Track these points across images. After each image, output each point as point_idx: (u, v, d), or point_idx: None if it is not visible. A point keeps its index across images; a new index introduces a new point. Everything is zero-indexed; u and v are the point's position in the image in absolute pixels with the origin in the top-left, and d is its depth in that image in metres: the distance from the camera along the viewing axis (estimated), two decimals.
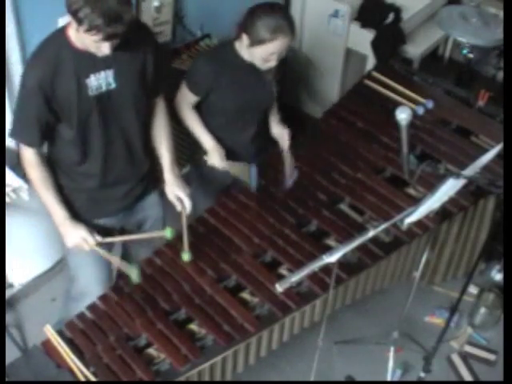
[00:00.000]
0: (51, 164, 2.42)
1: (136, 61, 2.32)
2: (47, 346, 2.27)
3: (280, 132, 2.87)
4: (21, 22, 2.77)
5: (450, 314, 2.62)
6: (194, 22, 3.64)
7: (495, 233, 2.82)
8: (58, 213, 2.38)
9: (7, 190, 2.71)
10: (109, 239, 2.46)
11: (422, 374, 2.80)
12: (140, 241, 2.58)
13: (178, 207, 2.52)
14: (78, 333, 2.32)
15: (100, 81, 2.26)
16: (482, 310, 3.31)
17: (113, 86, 2.29)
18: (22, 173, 2.54)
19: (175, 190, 2.52)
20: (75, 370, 2.19)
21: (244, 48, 2.60)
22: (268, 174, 2.87)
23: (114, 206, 2.56)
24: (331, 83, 4.30)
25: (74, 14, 2.04)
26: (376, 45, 3.97)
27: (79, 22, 2.04)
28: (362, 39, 4.01)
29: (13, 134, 2.34)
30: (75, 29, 2.10)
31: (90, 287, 2.59)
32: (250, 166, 2.78)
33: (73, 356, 2.21)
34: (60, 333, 2.30)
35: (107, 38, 2.08)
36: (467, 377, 3.15)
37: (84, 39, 2.12)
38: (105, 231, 2.50)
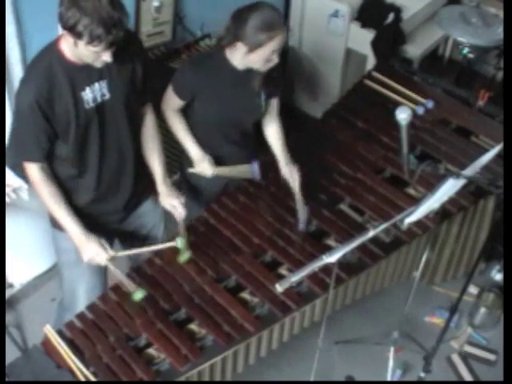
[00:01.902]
0: None
1: (126, 69, 2.31)
2: (47, 345, 2.27)
3: (289, 173, 2.72)
4: (21, 22, 2.77)
5: (450, 314, 2.62)
6: (194, 22, 3.64)
7: (495, 233, 2.81)
8: (72, 228, 2.35)
9: (7, 189, 2.72)
10: (121, 253, 2.46)
11: (422, 374, 2.80)
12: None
13: (175, 215, 2.55)
14: (78, 333, 2.32)
15: (95, 92, 2.25)
16: (482, 310, 3.31)
17: (107, 96, 2.28)
18: (21, 173, 2.53)
19: (169, 200, 2.55)
20: (75, 370, 2.19)
21: (239, 56, 2.51)
22: (267, 173, 2.87)
23: (106, 220, 2.55)
24: (331, 83, 4.30)
25: (72, 29, 2.02)
26: (376, 45, 3.97)
27: (78, 35, 2.02)
28: (362, 39, 4.01)
29: (15, 157, 2.31)
30: (72, 44, 2.08)
31: (86, 297, 2.57)
32: (250, 164, 2.72)
33: (73, 356, 2.21)
34: (60, 333, 2.30)
35: (110, 45, 2.07)
36: (467, 377, 3.15)
37: (82, 52, 2.10)
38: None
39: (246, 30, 2.40)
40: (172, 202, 2.55)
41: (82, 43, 2.05)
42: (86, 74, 2.21)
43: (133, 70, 2.33)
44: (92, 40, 2.03)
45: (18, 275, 3.31)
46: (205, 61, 2.65)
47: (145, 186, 2.63)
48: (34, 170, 2.29)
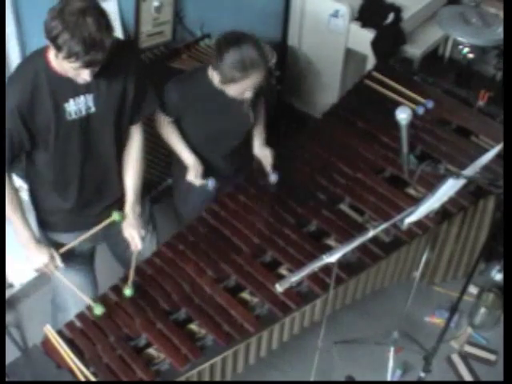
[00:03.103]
0: (31, 182, 2.44)
1: (117, 83, 2.27)
2: (47, 345, 2.27)
3: (263, 154, 2.80)
4: (21, 22, 2.77)
5: (450, 314, 2.62)
6: (194, 21, 3.64)
7: (495, 233, 2.82)
8: (24, 234, 2.34)
9: None
10: (64, 249, 2.42)
11: (422, 374, 2.80)
12: (96, 234, 2.51)
13: (132, 246, 2.50)
14: (78, 333, 2.32)
15: (80, 105, 2.22)
16: (482, 310, 3.31)
17: (92, 109, 2.25)
18: (22, 173, 2.53)
19: (130, 230, 2.49)
20: (75, 369, 2.19)
21: (217, 82, 2.52)
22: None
23: (91, 221, 2.52)
24: (331, 83, 4.30)
25: (53, 40, 2.01)
26: (376, 45, 3.97)
27: (58, 48, 2.01)
28: (362, 39, 4.01)
29: None
30: (54, 54, 2.07)
31: (73, 297, 2.54)
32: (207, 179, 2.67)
33: (73, 356, 2.21)
34: (60, 333, 2.30)
35: (86, 65, 2.04)
36: (467, 377, 3.15)
37: (63, 65, 2.08)
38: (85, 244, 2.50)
39: (221, 64, 2.39)
40: (132, 233, 2.48)
41: (60, 56, 2.03)
42: (72, 85, 2.18)
43: (124, 84, 2.29)
44: (69, 56, 2.00)
45: (17, 275, 3.31)
46: (189, 82, 2.62)
47: None
48: None
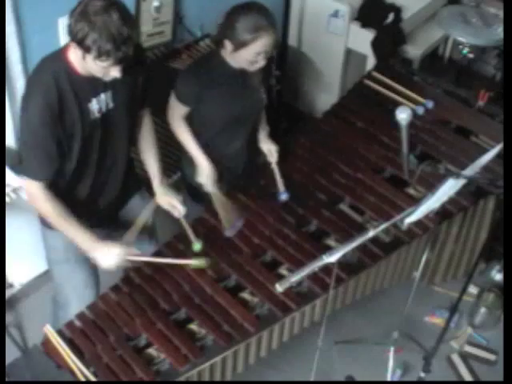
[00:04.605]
0: None
1: (129, 79, 2.29)
2: (47, 345, 2.27)
3: (268, 148, 2.85)
4: (21, 22, 2.77)
5: (450, 314, 2.62)
6: (194, 21, 3.64)
7: (495, 233, 2.82)
8: (85, 239, 2.30)
9: (7, 190, 2.72)
10: (142, 258, 2.41)
11: (422, 374, 2.79)
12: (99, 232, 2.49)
13: (175, 214, 2.57)
14: (78, 333, 2.32)
15: (101, 103, 2.25)
16: (482, 310, 3.31)
17: (111, 105, 2.29)
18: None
19: (168, 200, 2.55)
20: (75, 370, 2.19)
21: (229, 54, 2.55)
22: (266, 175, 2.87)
23: (97, 216, 2.53)
24: (331, 83, 4.30)
25: (80, 42, 2.00)
26: (376, 45, 3.97)
27: (87, 49, 2.01)
28: (362, 39, 4.01)
29: (26, 172, 2.23)
30: (80, 57, 2.07)
31: (76, 294, 2.57)
32: (238, 218, 2.64)
33: (73, 356, 2.21)
34: (60, 333, 2.30)
35: (118, 62, 2.05)
36: (467, 377, 3.15)
37: (90, 66, 2.08)
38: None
39: (232, 28, 2.45)
40: (170, 201, 2.55)
41: (89, 57, 2.04)
42: (93, 85, 2.20)
43: (134, 80, 2.34)
44: (100, 55, 2.01)
45: (18, 275, 3.31)
46: (203, 64, 2.66)
47: (134, 182, 2.65)
48: (38, 188, 2.24)
